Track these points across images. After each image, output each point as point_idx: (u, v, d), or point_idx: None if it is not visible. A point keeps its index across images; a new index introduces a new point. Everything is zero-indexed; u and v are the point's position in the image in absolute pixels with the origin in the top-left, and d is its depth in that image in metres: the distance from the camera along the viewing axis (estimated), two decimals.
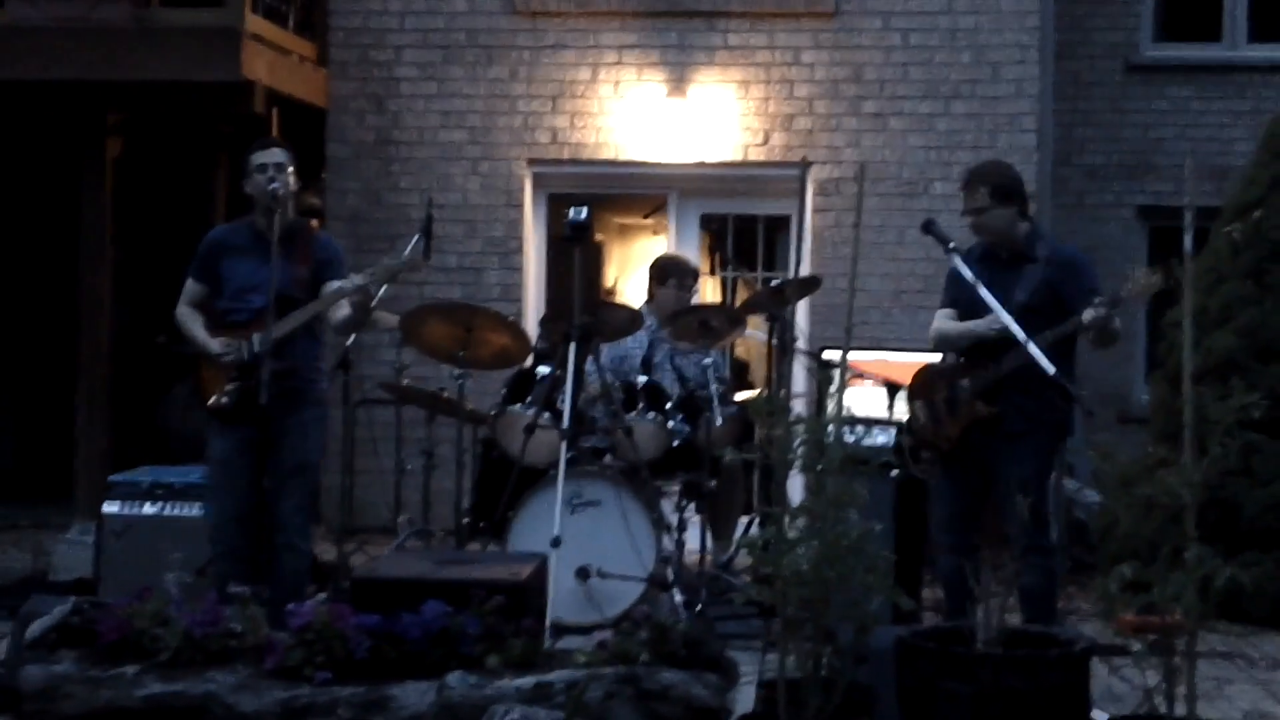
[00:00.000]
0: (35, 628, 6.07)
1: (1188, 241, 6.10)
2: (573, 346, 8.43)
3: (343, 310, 7.87)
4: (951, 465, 7.61)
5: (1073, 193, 13.18)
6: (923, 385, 7.83)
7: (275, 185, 7.77)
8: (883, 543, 5.95)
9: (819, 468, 5.93)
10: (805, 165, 8.94)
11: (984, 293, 7.23)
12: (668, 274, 9.91)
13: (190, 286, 7.99)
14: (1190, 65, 13.39)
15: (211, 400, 7.76)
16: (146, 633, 5.97)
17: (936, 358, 7.87)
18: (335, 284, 7.78)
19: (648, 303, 9.86)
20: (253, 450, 7.71)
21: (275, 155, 7.94)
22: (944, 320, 7.74)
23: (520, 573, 6.64)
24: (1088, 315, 7.15)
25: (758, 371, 12.71)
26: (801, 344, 9.38)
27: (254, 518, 7.75)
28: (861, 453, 6.06)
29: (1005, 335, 7.27)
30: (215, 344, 7.77)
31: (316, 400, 8.01)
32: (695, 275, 10.10)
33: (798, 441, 5.98)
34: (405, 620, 5.94)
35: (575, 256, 8.56)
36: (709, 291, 13.11)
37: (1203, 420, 5.88)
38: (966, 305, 7.59)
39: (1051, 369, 7.00)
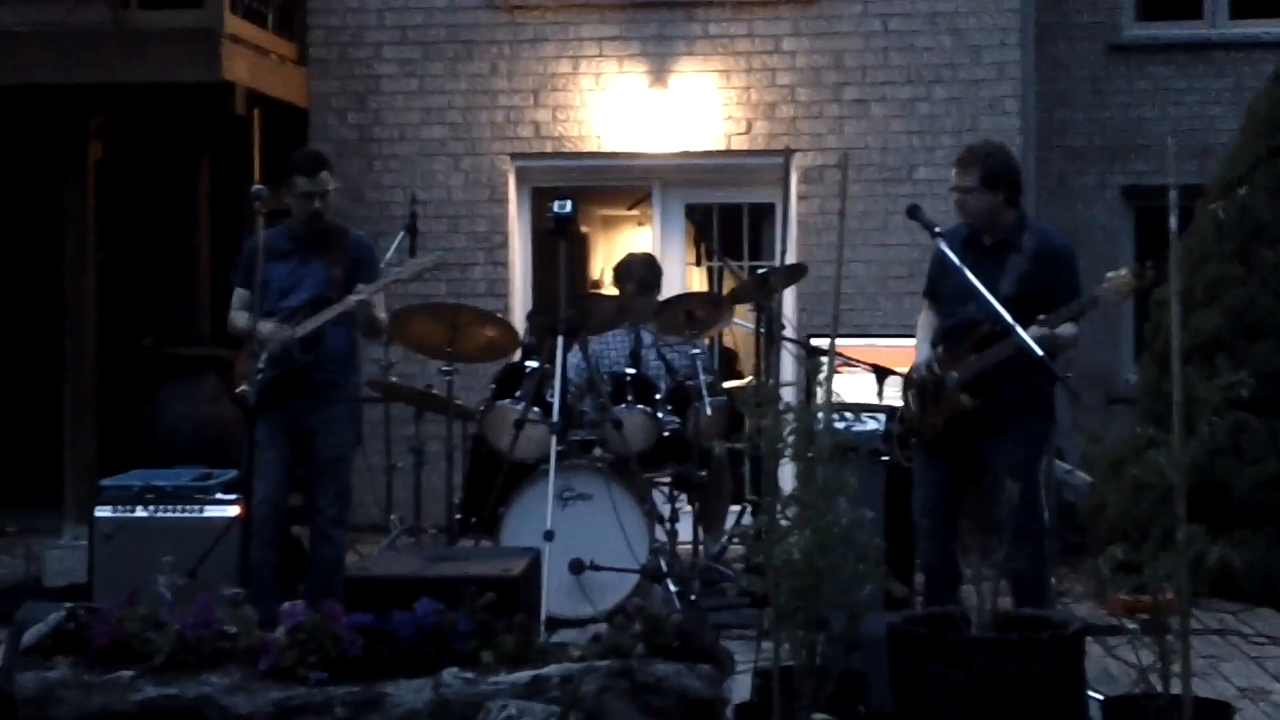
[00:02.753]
0: (30, 635, 6.05)
1: (1173, 222, 6.10)
2: (560, 340, 8.43)
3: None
4: (934, 452, 7.59)
5: (1055, 175, 13.19)
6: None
7: (316, 209, 8.12)
8: (874, 530, 5.95)
9: (809, 456, 5.92)
10: (789, 154, 8.94)
11: (971, 278, 7.21)
12: (624, 277, 9.83)
13: (237, 293, 8.26)
14: (1171, 44, 13.40)
15: (239, 389, 7.90)
16: (139, 636, 5.95)
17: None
18: (353, 294, 8.01)
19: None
20: (285, 438, 8.01)
21: (322, 183, 8.20)
22: (920, 328, 7.79)
23: (512, 568, 6.63)
24: (1034, 331, 7.10)
25: (746, 361, 12.71)
26: (789, 332, 9.38)
27: (284, 504, 8.09)
28: (851, 440, 6.06)
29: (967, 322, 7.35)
30: (263, 325, 7.83)
31: (347, 396, 8.29)
32: (655, 275, 9.96)
33: (787, 430, 5.97)
34: (397, 618, 5.93)
35: (560, 249, 8.57)
36: (695, 281, 13.11)
37: (1190, 400, 5.89)
38: (949, 291, 7.58)
39: (1040, 352, 6.99)
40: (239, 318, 8.18)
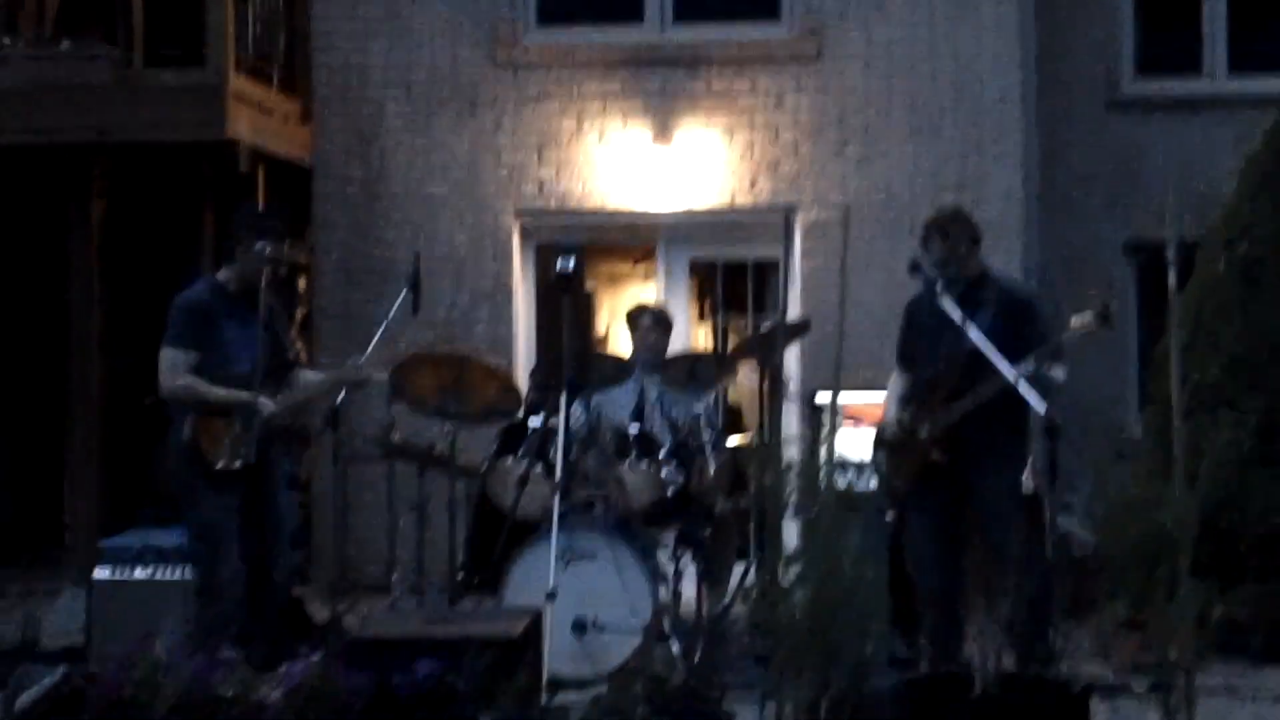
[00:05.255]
0: (24, 699, 6.03)
1: (1171, 278, 6.10)
2: (563, 397, 8.42)
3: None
4: (916, 509, 7.62)
5: (1057, 229, 13.16)
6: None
7: (269, 275, 7.95)
8: (877, 586, 5.93)
9: (812, 512, 5.91)
10: (791, 209, 8.95)
11: (974, 332, 7.23)
12: (637, 320, 9.89)
13: (183, 357, 7.97)
14: (1171, 99, 13.40)
15: (221, 463, 7.79)
16: (137, 699, 5.93)
17: None
18: (343, 372, 8.29)
19: (634, 353, 9.84)
20: (244, 507, 7.92)
21: (283, 250, 8.12)
22: (890, 386, 7.82)
23: (513, 628, 6.61)
24: (1016, 373, 7.13)
25: (751, 416, 12.69)
26: (793, 388, 9.37)
27: (244, 573, 7.96)
28: (854, 497, 6.05)
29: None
30: (262, 403, 7.83)
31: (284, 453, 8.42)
32: (655, 315, 9.99)
33: (790, 488, 5.96)
34: (397, 679, 5.91)
35: (564, 305, 8.56)
36: (700, 338, 13.10)
37: (1194, 452, 5.88)
38: (921, 347, 7.66)
39: (1043, 408, 6.99)
40: (202, 387, 7.94)
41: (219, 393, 7.91)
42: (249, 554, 7.91)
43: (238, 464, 7.80)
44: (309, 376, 8.20)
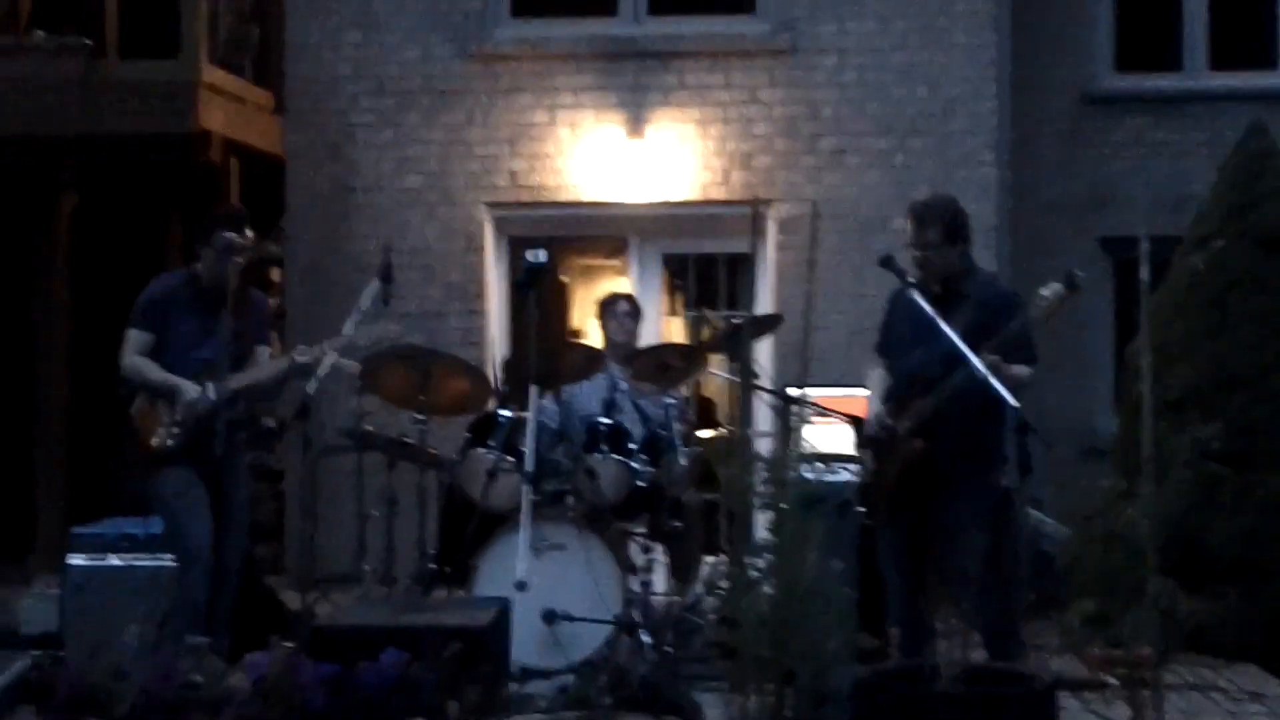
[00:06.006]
0: None
1: (1144, 273, 6.10)
2: (532, 389, 8.41)
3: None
4: (894, 503, 7.57)
5: (1033, 226, 13.15)
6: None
7: (235, 266, 8.01)
8: (845, 581, 5.92)
9: (780, 506, 5.89)
10: (763, 204, 8.95)
11: (945, 327, 7.20)
12: (609, 307, 9.91)
13: (139, 337, 8.08)
14: (1148, 96, 13.40)
15: (154, 440, 7.82)
16: (102, 687, 5.91)
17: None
18: (295, 354, 8.13)
19: (605, 344, 9.83)
20: (205, 481, 7.95)
21: (246, 240, 8.12)
22: (871, 383, 7.78)
23: (480, 619, 6.59)
24: (984, 360, 7.08)
25: (722, 409, 12.67)
26: (764, 381, 9.35)
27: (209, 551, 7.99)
28: (820, 490, 6.04)
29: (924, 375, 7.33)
30: (188, 387, 7.79)
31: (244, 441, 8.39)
32: (630, 301, 10.05)
33: (759, 481, 5.95)
34: (362, 669, 5.89)
35: (532, 299, 8.54)
36: (673, 331, 13.08)
37: (1165, 452, 5.87)
38: (897, 342, 7.61)
39: (1015, 402, 6.96)
40: (148, 367, 8.04)
41: (156, 375, 7.97)
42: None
43: (169, 443, 7.80)
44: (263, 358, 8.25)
